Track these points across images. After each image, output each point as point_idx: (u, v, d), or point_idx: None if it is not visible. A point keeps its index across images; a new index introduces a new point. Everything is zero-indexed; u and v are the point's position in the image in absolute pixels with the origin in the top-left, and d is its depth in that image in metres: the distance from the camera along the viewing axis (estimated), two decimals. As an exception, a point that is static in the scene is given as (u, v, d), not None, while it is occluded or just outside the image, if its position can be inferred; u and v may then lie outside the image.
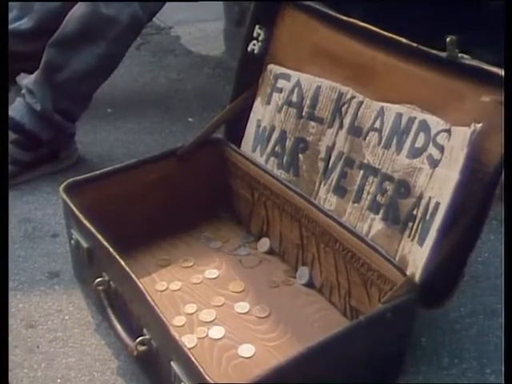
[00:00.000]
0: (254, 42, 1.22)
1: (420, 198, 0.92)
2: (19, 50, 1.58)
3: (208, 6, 2.18)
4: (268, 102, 1.20)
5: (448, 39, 0.87)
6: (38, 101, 1.42)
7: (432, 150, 0.92)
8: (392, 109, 1.00)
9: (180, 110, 1.77)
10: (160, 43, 2.18)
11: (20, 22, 1.58)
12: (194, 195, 1.25)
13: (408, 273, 0.90)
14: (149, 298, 0.89)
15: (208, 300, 1.10)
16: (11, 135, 1.42)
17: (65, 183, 1.13)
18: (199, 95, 1.85)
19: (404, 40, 0.95)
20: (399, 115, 0.98)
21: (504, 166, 0.83)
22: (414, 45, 0.94)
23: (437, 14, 1.33)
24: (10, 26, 1.58)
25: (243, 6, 1.88)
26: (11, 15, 1.59)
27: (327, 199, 1.08)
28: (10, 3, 1.60)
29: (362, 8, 1.49)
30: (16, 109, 1.44)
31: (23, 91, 1.44)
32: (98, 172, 1.19)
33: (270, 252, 1.21)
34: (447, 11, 1.30)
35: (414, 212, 0.92)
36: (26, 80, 1.45)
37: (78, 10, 1.40)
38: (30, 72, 1.52)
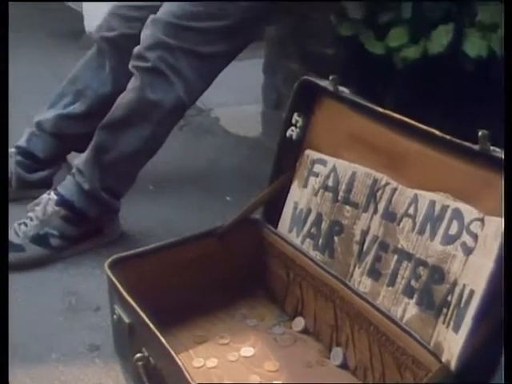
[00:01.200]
0: (293, 128, 1.24)
1: (454, 284, 0.91)
2: (72, 132, 1.64)
3: (247, 90, 2.24)
4: (305, 186, 1.21)
5: (480, 133, 0.87)
6: (86, 180, 1.45)
7: (466, 238, 0.91)
8: (425, 196, 1.00)
9: (218, 188, 1.80)
10: (201, 124, 2.23)
11: (73, 106, 1.64)
12: (231, 273, 1.25)
13: (443, 360, 0.88)
14: (187, 375, 0.88)
15: (244, 378, 1.09)
16: (61, 211, 1.46)
17: (110, 259, 1.14)
18: (237, 174, 1.87)
19: (437, 132, 0.96)
20: (433, 203, 0.98)
21: (504, 165, 0.82)
22: (448, 137, 0.94)
23: (466, 107, 1.35)
24: (65, 110, 1.64)
25: (280, 91, 1.93)
26: (66, 100, 1.65)
27: (361, 282, 1.07)
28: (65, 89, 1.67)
29: (395, 96, 1.52)
30: (66, 187, 1.47)
31: (73, 170, 1.48)
32: (140, 249, 1.20)
33: (305, 331, 1.20)
34: (478, 104, 1.32)
35: (449, 298, 0.91)
36: (77, 160, 1.49)
37: (126, 96, 1.45)
38: (80, 151, 1.57)
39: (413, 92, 1.53)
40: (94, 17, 3.01)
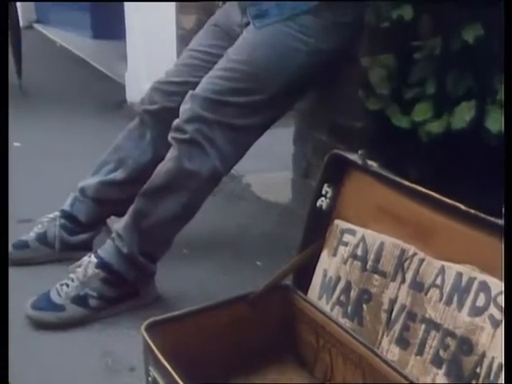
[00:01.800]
0: (323, 198, 1.25)
1: (483, 356, 0.90)
2: (112, 197, 1.68)
3: (277, 158, 2.28)
4: (334, 254, 1.22)
5: (504, 208, 0.88)
6: (125, 244, 1.48)
7: (493, 310, 0.90)
8: (452, 268, 1.00)
9: (249, 253, 1.81)
10: (233, 190, 2.26)
11: (115, 173, 1.69)
12: (262, 338, 1.24)
13: (473, 432, 0.86)
14: None
15: None
16: (100, 273, 1.48)
17: (146, 322, 1.15)
18: (267, 240, 1.88)
19: (462, 206, 0.97)
20: (459, 274, 0.98)
21: (504, 167, 0.81)
22: (472, 211, 0.95)
23: (489, 181, 1.35)
24: (107, 177, 1.69)
25: (309, 161, 1.95)
26: (108, 167, 1.70)
27: (390, 350, 1.06)
28: (108, 157, 1.72)
29: (419, 168, 1.54)
30: (106, 250, 1.50)
31: (113, 235, 1.51)
32: (175, 313, 1.20)
33: (334, 397, 1.18)
34: (500, 179, 1.32)
35: (477, 370, 0.90)
36: (117, 225, 1.52)
37: (165, 165, 1.49)
38: (120, 215, 1.60)
39: (437, 165, 1.54)
40: (135, 88, 3.12)
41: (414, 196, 1.08)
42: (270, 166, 2.37)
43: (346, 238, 1.20)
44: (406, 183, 1.09)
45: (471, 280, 0.96)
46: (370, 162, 1.16)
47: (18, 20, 2.90)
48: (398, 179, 1.11)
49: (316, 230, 1.26)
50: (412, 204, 1.09)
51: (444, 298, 0.99)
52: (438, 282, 1.01)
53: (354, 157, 1.18)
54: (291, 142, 2.11)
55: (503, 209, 0.84)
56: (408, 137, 1.51)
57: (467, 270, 0.97)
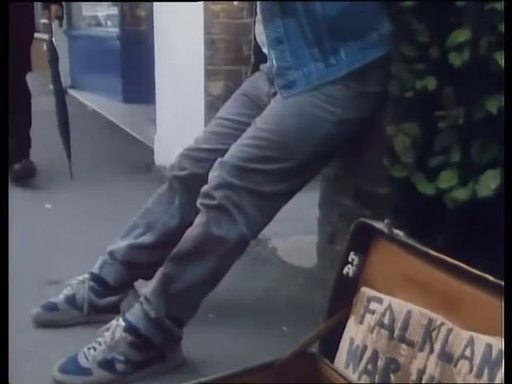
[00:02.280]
0: (349, 265, 1.26)
1: (514, 432, 0.88)
2: (141, 260, 1.70)
3: (302, 221, 2.29)
4: (361, 322, 1.21)
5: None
6: (153, 308, 1.49)
7: (524, 385, 0.89)
8: (482, 339, 0.99)
9: (275, 318, 1.80)
10: (258, 253, 2.27)
11: (144, 237, 1.71)
12: (288, 405, 1.23)
13: None
14: None
15: None
16: (127, 337, 1.48)
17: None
18: (293, 304, 1.87)
19: (490, 278, 0.97)
20: (489, 346, 0.97)
21: (504, 167, 0.79)
22: (500, 282, 0.95)
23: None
24: (136, 241, 1.71)
25: (335, 226, 1.96)
26: (137, 231, 1.73)
27: (419, 422, 1.04)
28: (138, 221, 1.75)
29: (445, 235, 1.53)
30: (134, 314, 1.51)
31: (141, 299, 1.52)
32: (202, 380, 1.20)
33: None
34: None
35: None
36: (145, 289, 1.54)
37: (193, 231, 1.51)
38: (147, 279, 1.62)
39: (463, 232, 1.53)
40: (163, 151, 3.20)
41: (441, 265, 1.08)
42: (295, 229, 2.39)
43: (373, 305, 1.20)
44: (433, 253, 1.09)
45: (501, 352, 0.95)
46: (396, 231, 1.17)
47: (65, 106, 2.92)
48: (424, 248, 1.12)
49: (342, 297, 1.26)
50: (439, 273, 1.09)
51: (474, 370, 0.98)
52: (468, 353, 1.00)
53: (380, 225, 1.19)
54: (316, 206, 2.13)
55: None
56: (433, 204, 1.52)
57: (497, 342, 0.96)
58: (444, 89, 1.50)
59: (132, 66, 5.22)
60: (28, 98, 2.98)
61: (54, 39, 3.03)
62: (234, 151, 1.52)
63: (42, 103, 3.15)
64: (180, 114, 3.09)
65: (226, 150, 1.55)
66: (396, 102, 1.60)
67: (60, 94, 2.95)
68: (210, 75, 3.00)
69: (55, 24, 3.10)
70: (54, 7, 2.98)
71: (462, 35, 1.42)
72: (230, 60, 2.96)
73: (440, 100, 1.52)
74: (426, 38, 1.51)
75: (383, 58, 1.53)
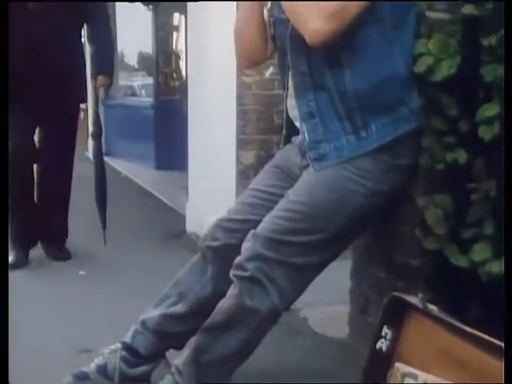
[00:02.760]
0: (382, 340, 1.26)
1: None
2: (173, 330, 1.71)
3: (334, 291, 2.27)
4: None
5: None
6: (184, 380, 1.49)
7: None
8: (520, 420, 0.96)
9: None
10: (289, 323, 2.24)
11: (176, 306, 1.72)
12: None
13: None
14: None
15: None
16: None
17: None
18: (325, 377, 1.83)
19: (528, 356, 0.95)
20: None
21: (504, 168, 0.76)
22: (539, 361, 0.93)
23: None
24: (168, 310, 1.72)
25: (367, 297, 1.95)
26: (169, 301, 1.74)
27: None
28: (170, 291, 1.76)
29: (480, 309, 1.51)
30: (165, 385, 1.51)
31: (173, 370, 1.52)
32: None
33: None
34: None
35: None
36: (177, 360, 1.54)
37: (226, 302, 1.52)
38: (179, 348, 1.62)
39: (498, 305, 1.51)
40: (195, 218, 3.24)
41: (476, 342, 1.07)
42: (326, 299, 2.36)
43: (408, 381, 1.18)
44: (468, 329, 1.09)
45: None
46: (430, 306, 1.16)
47: (104, 179, 2.93)
48: (459, 324, 1.11)
49: (376, 373, 1.25)
50: (474, 350, 1.08)
51: None
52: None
53: (413, 300, 1.19)
54: (348, 275, 2.12)
55: None
56: (467, 276, 1.51)
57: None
58: (475, 161, 1.52)
59: (165, 133, 5.36)
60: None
61: (99, 111, 3.03)
62: (267, 223, 1.54)
63: (78, 171, 3.24)
64: (212, 182, 3.14)
65: (258, 221, 1.58)
66: (427, 174, 1.62)
67: (101, 167, 2.96)
68: (241, 144, 3.08)
69: (100, 94, 3.07)
70: (101, 78, 2.90)
71: (491, 109, 1.45)
72: (262, 130, 3.04)
73: (471, 172, 1.54)
74: (456, 112, 1.54)
75: (414, 131, 1.56)
